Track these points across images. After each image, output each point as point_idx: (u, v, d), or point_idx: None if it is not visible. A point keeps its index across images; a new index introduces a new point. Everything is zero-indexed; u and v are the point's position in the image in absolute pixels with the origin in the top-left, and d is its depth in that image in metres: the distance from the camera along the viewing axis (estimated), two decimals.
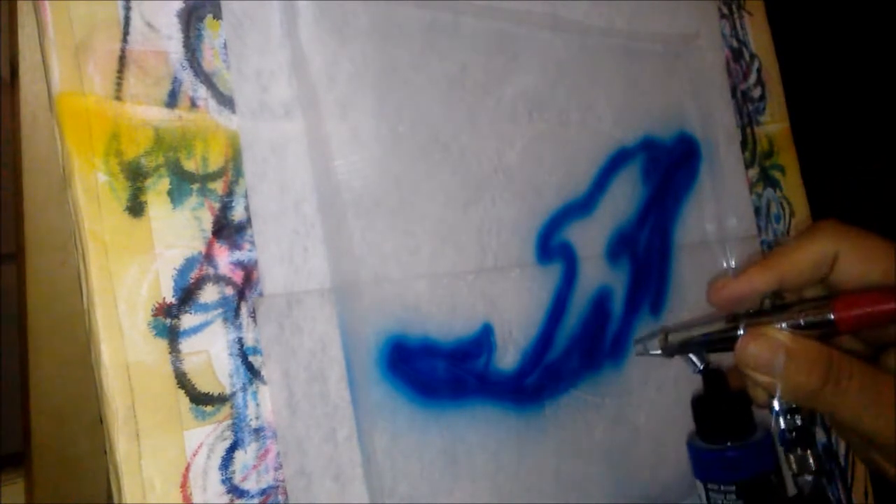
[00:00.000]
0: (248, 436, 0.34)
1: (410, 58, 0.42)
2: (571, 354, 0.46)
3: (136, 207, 0.32)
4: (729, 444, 0.41)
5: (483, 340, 0.42)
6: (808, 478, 0.38)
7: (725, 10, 0.63)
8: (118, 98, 0.32)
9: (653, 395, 0.50)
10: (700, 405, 0.43)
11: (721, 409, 0.42)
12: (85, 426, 0.47)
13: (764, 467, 0.40)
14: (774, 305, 0.40)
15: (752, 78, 0.65)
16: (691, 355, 0.43)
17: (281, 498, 0.34)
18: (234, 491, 0.33)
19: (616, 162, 0.51)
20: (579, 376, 0.46)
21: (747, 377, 0.37)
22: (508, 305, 0.43)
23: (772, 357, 0.35)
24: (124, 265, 0.32)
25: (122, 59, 0.33)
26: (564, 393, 0.45)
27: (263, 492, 0.34)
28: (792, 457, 0.39)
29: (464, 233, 0.43)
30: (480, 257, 0.43)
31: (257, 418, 0.34)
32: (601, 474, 0.46)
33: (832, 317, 0.35)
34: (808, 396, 0.35)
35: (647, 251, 0.52)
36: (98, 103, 0.32)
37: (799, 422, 0.38)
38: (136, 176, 0.32)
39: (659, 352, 0.45)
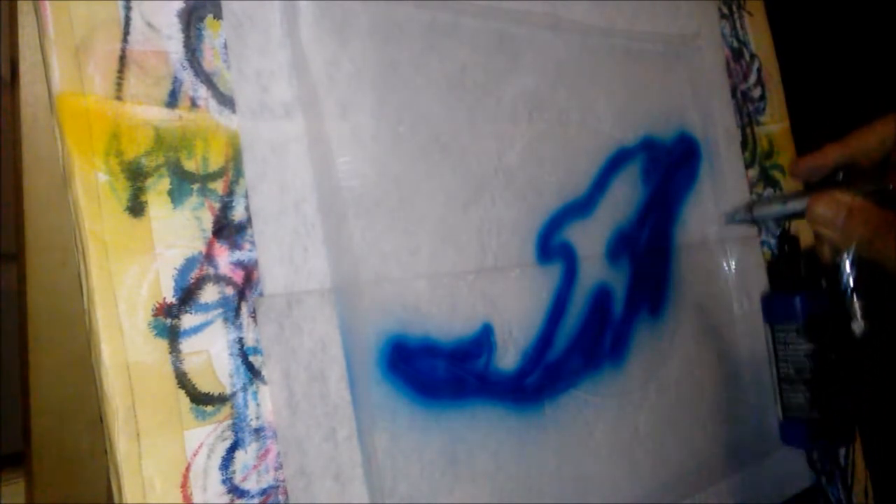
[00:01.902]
0: (249, 436, 0.34)
1: (410, 58, 0.42)
2: (571, 354, 0.46)
3: (136, 207, 0.32)
4: (794, 291, 0.49)
5: (483, 340, 0.42)
6: (862, 322, 0.46)
7: (725, 10, 0.63)
8: (118, 98, 0.32)
9: (653, 396, 0.50)
10: (773, 262, 0.53)
11: (789, 263, 0.51)
12: (85, 426, 0.46)
13: (821, 311, 0.48)
14: (845, 178, 0.47)
15: (752, 78, 0.65)
16: (771, 221, 0.52)
17: (281, 498, 0.34)
18: (235, 491, 0.33)
19: (616, 162, 0.51)
20: (579, 376, 0.46)
21: (816, 233, 0.45)
22: (508, 305, 0.43)
23: (836, 213, 0.42)
24: (124, 265, 0.32)
25: (123, 59, 0.33)
26: (564, 393, 0.45)
27: (264, 492, 0.34)
28: (850, 304, 0.46)
29: (464, 233, 0.43)
30: (480, 257, 0.43)
31: (257, 418, 0.34)
32: (601, 474, 0.46)
33: (890, 186, 0.43)
34: (864, 245, 0.42)
35: (647, 251, 0.52)
36: (98, 103, 0.32)
37: (855, 275, 0.46)
38: (136, 176, 0.32)
39: (744, 219, 0.53)
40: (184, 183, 0.34)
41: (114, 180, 0.32)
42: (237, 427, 0.34)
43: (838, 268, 0.46)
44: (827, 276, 0.48)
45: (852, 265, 0.46)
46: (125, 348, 0.31)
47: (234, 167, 0.35)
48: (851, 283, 0.46)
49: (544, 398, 0.44)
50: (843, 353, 0.49)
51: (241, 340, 0.34)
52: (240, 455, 0.33)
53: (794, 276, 0.50)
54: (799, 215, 0.48)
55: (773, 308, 0.51)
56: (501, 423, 0.42)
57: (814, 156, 0.48)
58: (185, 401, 0.32)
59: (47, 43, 0.31)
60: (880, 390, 0.58)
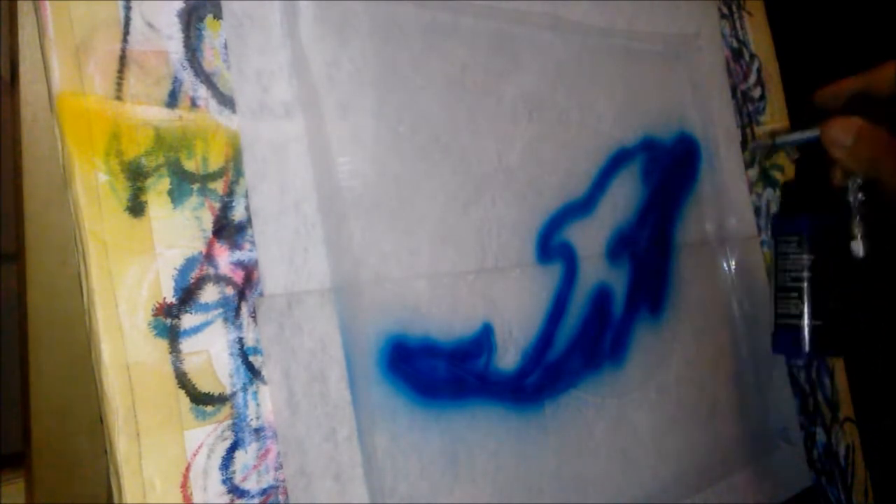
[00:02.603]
0: (249, 436, 0.34)
1: (410, 58, 0.42)
2: (571, 354, 0.46)
3: (136, 207, 0.32)
4: (801, 208, 0.53)
5: (483, 340, 0.42)
6: (862, 243, 0.49)
7: (725, 10, 0.63)
8: (118, 98, 0.32)
9: (653, 396, 0.50)
10: (786, 183, 0.57)
11: (800, 183, 0.55)
12: (85, 426, 0.46)
13: (825, 227, 0.51)
14: (861, 106, 0.49)
15: (752, 78, 0.65)
16: (790, 148, 0.56)
17: (281, 498, 0.34)
18: (235, 491, 0.33)
19: (616, 162, 0.51)
20: (579, 376, 0.46)
21: (829, 155, 0.48)
22: (508, 305, 0.43)
23: (847, 135, 0.46)
24: (124, 265, 0.32)
25: (123, 59, 0.33)
26: (564, 393, 0.45)
27: (264, 492, 0.34)
28: (852, 225, 0.49)
29: (464, 233, 0.43)
30: (480, 257, 0.43)
31: (257, 418, 0.34)
32: (601, 474, 0.46)
33: None
34: (870, 165, 0.46)
35: (647, 251, 0.52)
36: (98, 103, 0.32)
37: (863, 197, 0.49)
38: (136, 176, 0.32)
39: (768, 145, 0.57)
40: (184, 183, 0.34)
41: (114, 180, 0.32)
42: (237, 427, 0.34)
43: (847, 190, 0.49)
44: (836, 199, 0.50)
45: (859, 187, 0.48)
46: (125, 348, 0.31)
47: (234, 167, 0.35)
48: (856, 205, 0.48)
49: (544, 398, 0.44)
50: (843, 269, 0.51)
51: (241, 340, 0.34)
52: (240, 455, 0.33)
53: (804, 194, 0.53)
54: (816, 141, 0.50)
55: (780, 222, 0.53)
56: (501, 423, 0.42)
57: (832, 85, 0.52)
58: (185, 401, 0.32)
59: (47, 43, 0.31)
60: (877, 314, 0.61)
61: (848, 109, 0.49)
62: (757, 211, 0.61)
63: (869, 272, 0.50)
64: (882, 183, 0.46)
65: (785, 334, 0.52)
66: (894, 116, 0.47)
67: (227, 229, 0.35)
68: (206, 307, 0.33)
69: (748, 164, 0.60)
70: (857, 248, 0.49)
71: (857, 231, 0.49)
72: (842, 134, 0.46)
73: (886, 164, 0.45)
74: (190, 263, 0.33)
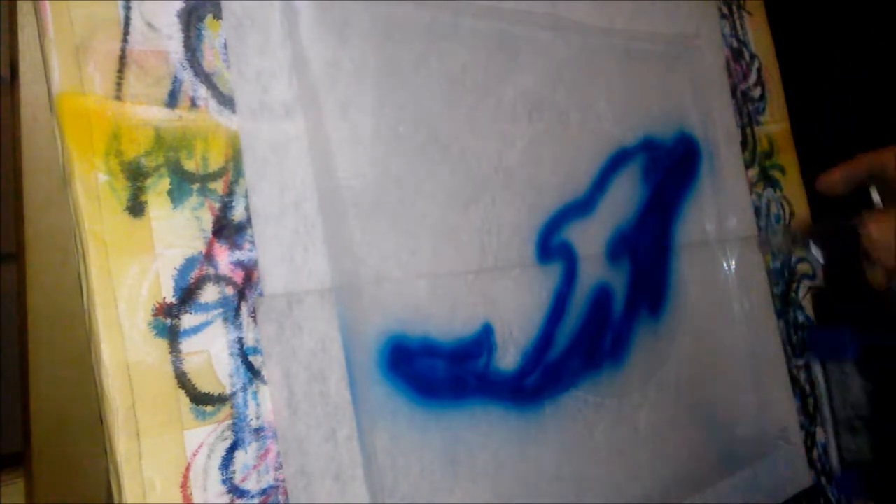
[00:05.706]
0: (249, 436, 0.34)
1: (411, 58, 0.42)
2: (572, 354, 0.46)
3: (136, 207, 0.32)
4: (844, 323, 0.45)
5: (483, 340, 0.42)
6: None
7: (725, 10, 0.63)
8: (118, 98, 0.32)
9: (653, 396, 0.50)
10: (820, 292, 0.48)
11: (838, 292, 0.46)
12: (85, 426, 0.46)
13: (877, 342, 0.44)
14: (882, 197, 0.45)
15: (752, 78, 0.65)
16: (813, 248, 0.48)
17: (281, 498, 0.34)
18: (235, 491, 0.33)
19: (616, 162, 0.51)
20: (579, 376, 0.46)
21: (871, 258, 0.43)
22: (509, 305, 0.43)
23: (893, 238, 0.42)
24: (124, 265, 0.32)
25: (123, 59, 0.33)
26: (564, 393, 0.45)
27: (263, 492, 0.34)
28: None
29: (464, 233, 0.43)
30: (480, 257, 0.43)
31: (257, 418, 0.34)
32: (601, 474, 0.46)
33: None
34: None
35: (647, 251, 0.52)
36: (98, 103, 0.32)
37: None
38: (136, 176, 0.32)
39: (788, 242, 0.50)
40: (184, 183, 0.34)
41: (114, 180, 0.32)
42: (237, 427, 0.34)
43: (894, 295, 0.43)
44: (881, 305, 0.44)
45: None
46: (125, 348, 0.31)
47: (234, 167, 0.35)
48: None
49: (544, 398, 0.44)
50: None
51: (241, 340, 0.34)
52: (240, 455, 0.33)
53: (844, 305, 0.45)
54: (841, 239, 0.45)
55: (823, 342, 0.46)
56: (501, 423, 0.42)
57: (835, 171, 0.47)
58: (185, 401, 0.32)
59: (47, 43, 0.31)
60: None
61: (854, 195, 0.45)
62: (757, 211, 0.61)
63: None
64: None
65: (852, 476, 0.45)
66: None
67: (227, 229, 0.35)
68: (206, 307, 0.33)
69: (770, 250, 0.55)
70: None
71: None
72: (887, 236, 0.42)
73: None
74: (190, 263, 0.33)
